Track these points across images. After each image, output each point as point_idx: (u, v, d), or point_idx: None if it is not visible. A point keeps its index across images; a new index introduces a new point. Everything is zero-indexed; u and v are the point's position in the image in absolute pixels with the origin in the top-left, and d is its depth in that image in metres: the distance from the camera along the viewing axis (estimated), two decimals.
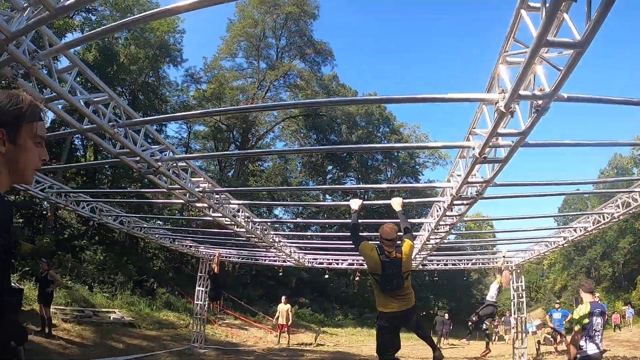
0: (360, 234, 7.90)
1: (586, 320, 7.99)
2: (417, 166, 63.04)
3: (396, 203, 8.50)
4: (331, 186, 49.60)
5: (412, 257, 8.45)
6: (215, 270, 19.37)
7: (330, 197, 59.98)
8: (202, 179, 11.75)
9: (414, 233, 9.38)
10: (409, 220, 9.18)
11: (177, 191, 11.35)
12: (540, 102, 6.75)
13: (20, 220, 28.63)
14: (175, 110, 46.90)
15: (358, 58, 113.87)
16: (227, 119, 47.56)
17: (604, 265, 58.51)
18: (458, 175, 10.68)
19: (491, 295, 17.53)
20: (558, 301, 21.31)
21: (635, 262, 54.98)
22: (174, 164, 10.23)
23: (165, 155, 10.01)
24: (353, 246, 7.51)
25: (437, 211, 13.12)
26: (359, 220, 7.94)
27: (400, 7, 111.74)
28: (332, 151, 58.53)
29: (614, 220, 13.77)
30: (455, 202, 11.26)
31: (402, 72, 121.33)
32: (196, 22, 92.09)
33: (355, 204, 8.08)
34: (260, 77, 52.06)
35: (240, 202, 14.60)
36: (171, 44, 44.34)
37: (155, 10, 5.71)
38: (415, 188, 55.02)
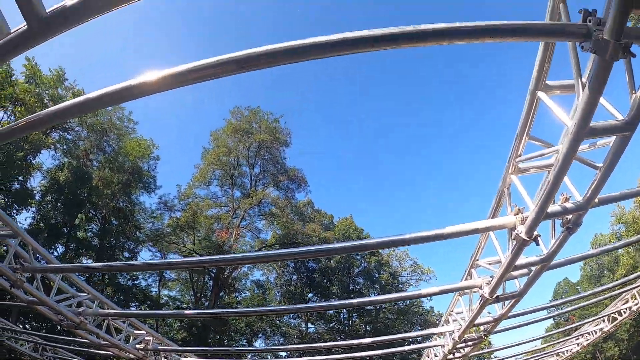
0: None
1: None
2: (400, 285, 61.02)
3: None
4: (309, 304, 45.14)
5: None
6: None
7: (313, 326, 56.61)
8: (144, 332, 9.56)
9: None
10: None
11: (110, 348, 9.09)
12: (570, 216, 5.16)
13: None
14: (149, 237, 45.44)
15: (332, 178, 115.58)
16: (201, 248, 45.76)
17: (608, 346, 55.32)
18: (458, 314, 8.91)
19: None
20: None
21: None
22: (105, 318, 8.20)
23: (91, 308, 7.94)
24: None
25: (436, 356, 11.21)
26: None
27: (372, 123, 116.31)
28: (307, 257, 56.31)
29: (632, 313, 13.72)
30: (458, 345, 9.35)
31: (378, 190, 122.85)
32: (170, 149, 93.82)
33: None
34: (235, 206, 51.37)
35: None
36: (145, 171, 43.94)
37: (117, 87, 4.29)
38: (400, 299, 52.24)
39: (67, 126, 37.92)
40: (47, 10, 3.86)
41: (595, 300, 14.04)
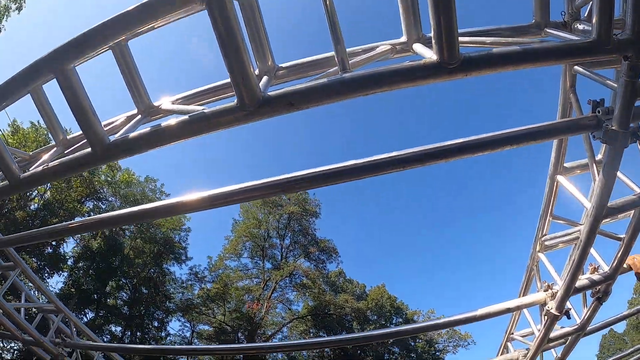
0: None
1: None
2: (437, 353, 58.66)
3: None
4: None
5: None
6: None
7: None
8: None
9: None
10: None
11: None
12: (600, 287, 5.31)
13: None
14: (179, 307, 45.33)
15: (362, 245, 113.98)
16: (232, 319, 45.41)
17: None
18: None
19: None
20: None
21: None
22: None
23: None
24: None
25: None
26: None
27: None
28: (342, 345, 54.91)
29: None
30: None
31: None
32: (201, 220, 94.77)
33: None
34: (266, 277, 51.23)
35: None
36: (176, 242, 44.56)
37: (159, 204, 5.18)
38: None
39: (102, 196, 39.42)
40: (111, 140, 4.64)
41: None
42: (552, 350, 6.78)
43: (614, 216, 4.67)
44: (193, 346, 37.56)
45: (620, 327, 69.11)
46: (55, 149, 5.93)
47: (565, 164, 5.14)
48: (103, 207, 39.86)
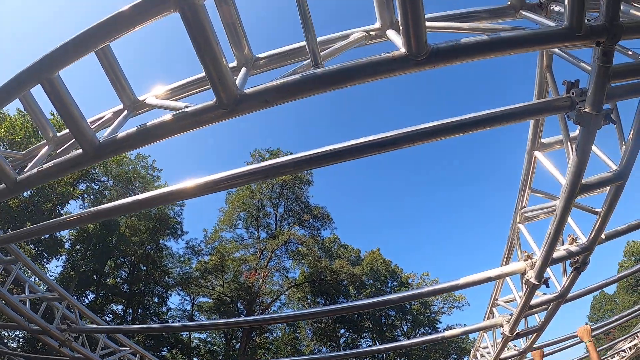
0: None
1: None
2: (432, 315, 60.32)
3: None
4: (346, 352, 45.70)
5: None
6: None
7: None
8: None
9: None
10: None
11: None
12: (578, 257, 5.54)
13: None
14: (178, 281, 45.78)
15: (356, 212, 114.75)
16: (230, 290, 46.20)
17: None
18: (484, 349, 9.17)
19: None
20: None
21: None
22: None
23: None
24: None
25: None
26: None
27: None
28: (341, 313, 55.97)
29: None
30: None
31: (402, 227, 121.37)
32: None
33: None
34: (262, 247, 51.83)
35: None
36: (171, 217, 44.64)
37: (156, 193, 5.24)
38: (435, 340, 51.76)
39: (94, 177, 39.14)
40: (100, 139, 4.74)
41: (632, 316, 13.64)
42: (536, 315, 7.08)
43: (589, 192, 4.85)
44: (194, 322, 38.27)
45: (611, 289, 70.92)
46: (47, 147, 6.02)
47: (542, 140, 5.29)
48: (96, 187, 39.76)
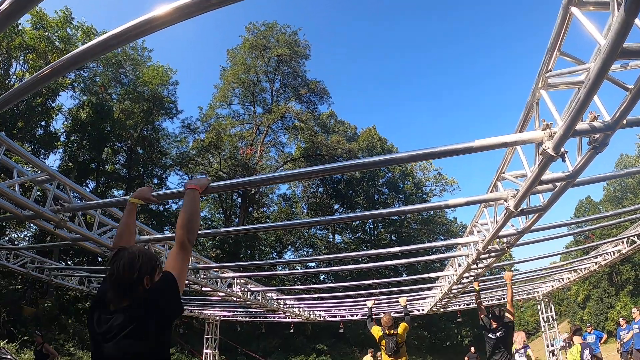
0: (371, 322, 10.88)
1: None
2: (424, 195, 62.03)
3: (402, 299, 12.04)
4: (337, 216, 46.80)
5: (406, 333, 10.21)
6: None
7: (340, 237, 58.27)
8: None
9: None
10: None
11: None
12: (598, 135, 5.16)
13: (19, 286, 26.90)
14: (176, 161, 46.10)
15: (355, 87, 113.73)
16: (227, 167, 46.67)
17: (625, 269, 56.04)
18: (483, 225, 9.17)
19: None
20: (589, 325, 19.70)
21: None
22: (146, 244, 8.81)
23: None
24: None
25: (460, 266, 11.73)
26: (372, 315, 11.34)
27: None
28: (336, 173, 57.17)
29: None
30: (481, 256, 9.73)
31: (401, 101, 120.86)
32: (189, 72, 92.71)
33: (369, 302, 11.64)
34: (258, 122, 51.52)
35: (232, 275, 13.21)
36: (165, 97, 43.71)
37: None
38: (427, 209, 53.70)
39: (82, 64, 37.45)
40: None
41: (615, 221, 13.81)
42: (540, 195, 6.89)
43: (626, 62, 4.35)
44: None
45: (597, 196, 71.84)
46: None
47: None
48: (85, 75, 38.14)
